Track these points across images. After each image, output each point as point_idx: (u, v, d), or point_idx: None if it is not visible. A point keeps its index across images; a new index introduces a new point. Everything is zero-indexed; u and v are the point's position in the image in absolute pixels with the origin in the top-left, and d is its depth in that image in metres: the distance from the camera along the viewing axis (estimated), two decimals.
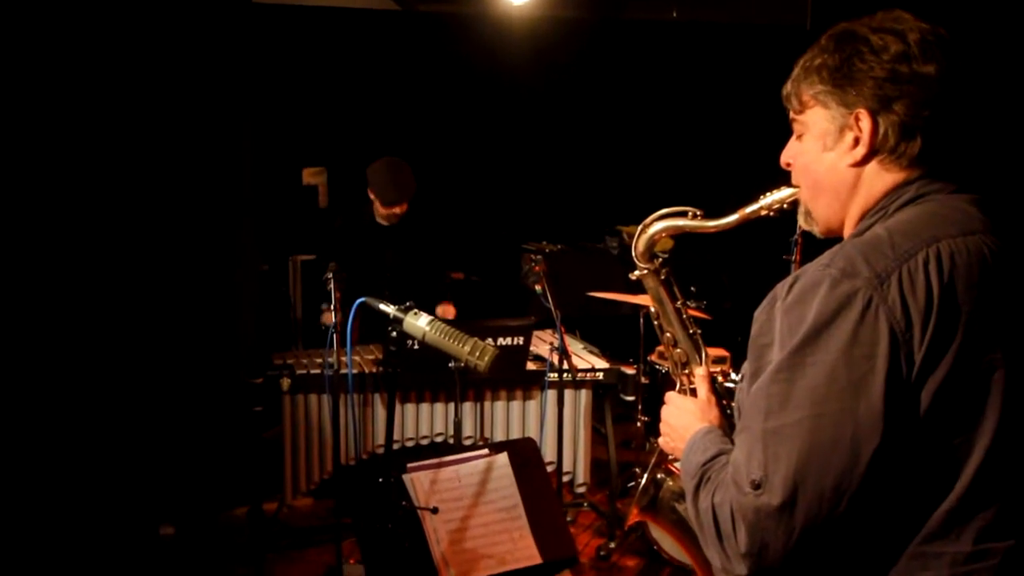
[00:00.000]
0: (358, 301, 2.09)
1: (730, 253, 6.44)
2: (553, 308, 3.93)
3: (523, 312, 5.27)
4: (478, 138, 6.70)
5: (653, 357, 5.07)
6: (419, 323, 2.02)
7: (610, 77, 6.86)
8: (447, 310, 4.67)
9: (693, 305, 5.05)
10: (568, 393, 4.21)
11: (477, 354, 2.01)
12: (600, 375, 4.31)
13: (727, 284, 6.71)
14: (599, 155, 6.96)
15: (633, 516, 1.90)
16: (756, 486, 1.30)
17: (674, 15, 6.68)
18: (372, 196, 4.56)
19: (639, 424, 4.95)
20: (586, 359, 4.42)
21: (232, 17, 5.08)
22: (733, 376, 4.16)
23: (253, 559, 4.04)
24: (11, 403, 4.32)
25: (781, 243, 4.30)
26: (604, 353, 4.57)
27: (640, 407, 4.93)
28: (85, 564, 4.02)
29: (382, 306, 2.06)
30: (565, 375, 4.04)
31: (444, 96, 6.56)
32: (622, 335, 5.16)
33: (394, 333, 2.03)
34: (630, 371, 4.52)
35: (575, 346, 4.58)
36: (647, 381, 5.01)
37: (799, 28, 6.78)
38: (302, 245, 6.39)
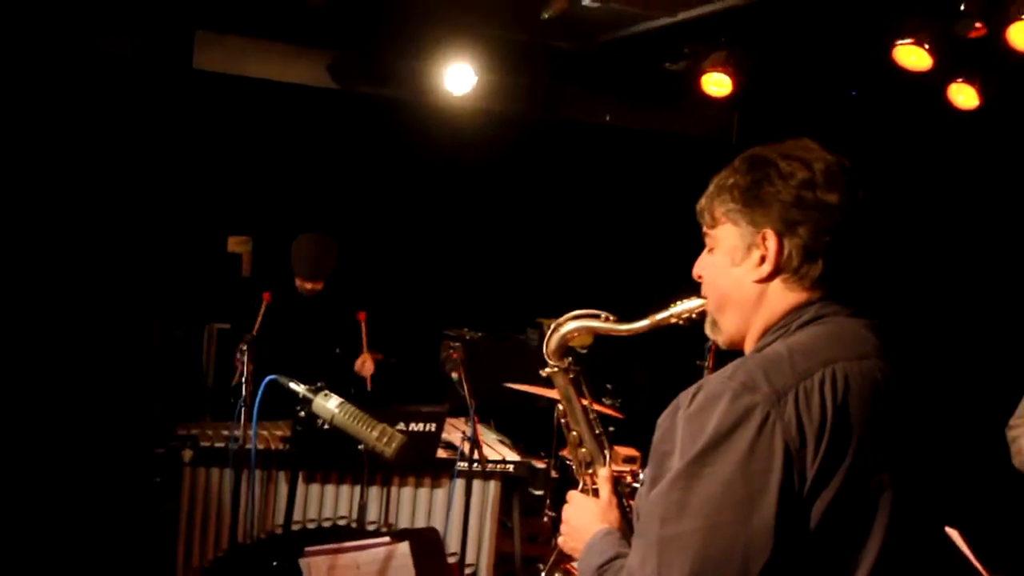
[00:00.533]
0: (267, 379, 2.06)
1: (648, 352, 6.52)
2: (468, 397, 3.93)
3: (439, 398, 5.24)
4: (406, 221, 6.73)
5: (564, 452, 5.06)
6: (328, 405, 2.00)
7: (542, 173, 6.99)
8: (366, 361, 4.62)
9: (608, 403, 5.08)
10: (477, 484, 4.18)
11: (384, 440, 1.99)
12: (511, 467, 4.29)
13: (644, 383, 6.78)
14: (525, 247, 7.04)
15: None
16: None
17: (607, 119, 6.88)
18: (292, 267, 4.55)
19: (546, 519, 4.91)
20: (497, 450, 4.40)
21: (171, 81, 5.09)
22: (642, 476, 4.17)
23: None
24: None
25: (696, 347, 4.38)
26: (516, 445, 4.55)
27: (548, 502, 4.90)
28: None
29: (292, 384, 2.04)
30: (475, 465, 4.01)
31: (376, 176, 6.60)
32: (536, 428, 5.15)
33: (302, 413, 2.01)
34: (541, 465, 4.51)
35: (488, 436, 4.56)
36: (557, 476, 4.99)
37: (725, 143, 7.05)
38: (220, 313, 6.27)
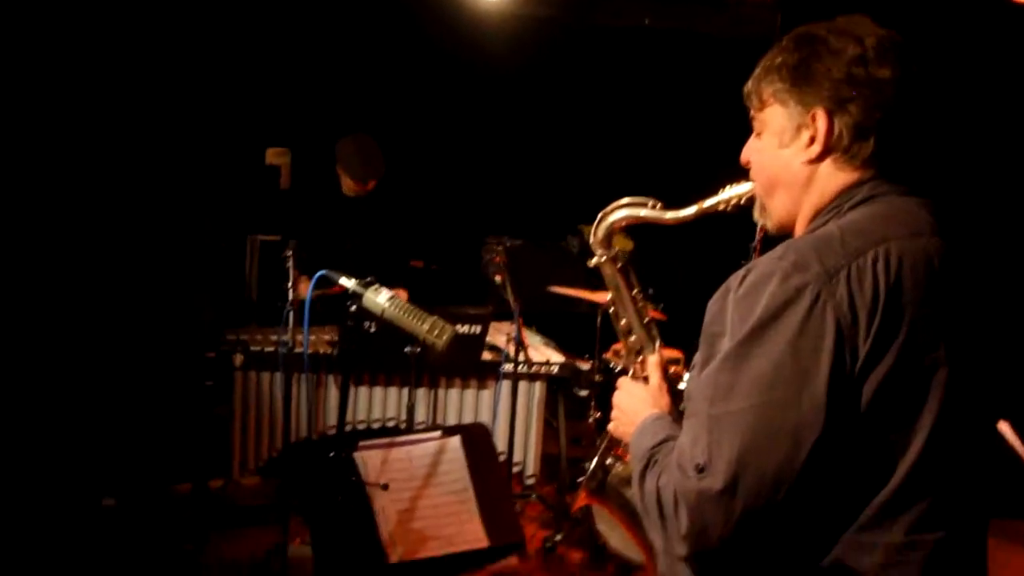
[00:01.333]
0: (318, 274, 2.09)
1: (689, 256, 6.50)
2: (512, 299, 3.96)
3: (482, 304, 5.29)
4: (445, 126, 6.69)
5: (608, 355, 5.11)
6: (379, 299, 2.03)
7: (580, 79, 6.89)
8: (399, 296, 4.65)
9: (651, 306, 5.08)
10: (522, 385, 4.25)
11: (436, 332, 2.02)
12: (555, 369, 4.35)
13: (684, 286, 6.78)
14: (565, 154, 6.99)
15: (581, 499, 1.93)
16: (699, 470, 1.32)
17: (647, 22, 6.72)
18: (341, 172, 4.54)
19: (591, 421, 4.98)
20: (542, 352, 4.45)
21: None
22: (686, 377, 4.20)
23: (197, 535, 4.01)
24: None
25: (740, 249, 4.36)
26: (560, 348, 4.60)
27: (593, 403, 4.97)
28: (24, 531, 3.97)
29: (342, 279, 2.07)
30: (520, 366, 4.07)
31: (412, 83, 6.55)
32: (578, 332, 5.19)
33: (353, 307, 2.04)
34: (585, 366, 4.56)
35: (532, 339, 4.61)
36: (601, 379, 5.05)
37: (767, 43, 6.87)
38: (262, 225, 6.34)
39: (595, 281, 4.33)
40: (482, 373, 4.26)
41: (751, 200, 1.63)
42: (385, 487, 2.41)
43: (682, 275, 6.73)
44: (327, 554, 2.42)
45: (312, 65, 6.30)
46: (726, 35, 6.67)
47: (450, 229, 6.49)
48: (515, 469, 4.34)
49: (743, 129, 1.61)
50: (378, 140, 4.70)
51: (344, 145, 4.51)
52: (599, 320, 4.71)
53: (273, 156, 6.77)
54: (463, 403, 4.28)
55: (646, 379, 1.77)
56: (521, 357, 4.01)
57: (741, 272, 1.40)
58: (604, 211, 1.81)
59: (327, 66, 6.34)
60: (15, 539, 3.92)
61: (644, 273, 1.94)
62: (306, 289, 3.97)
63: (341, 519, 2.39)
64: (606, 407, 1.77)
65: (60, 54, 4.86)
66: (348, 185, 4.53)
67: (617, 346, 4.56)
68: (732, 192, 1.66)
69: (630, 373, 1.82)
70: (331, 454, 2.15)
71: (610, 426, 1.74)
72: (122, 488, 4.34)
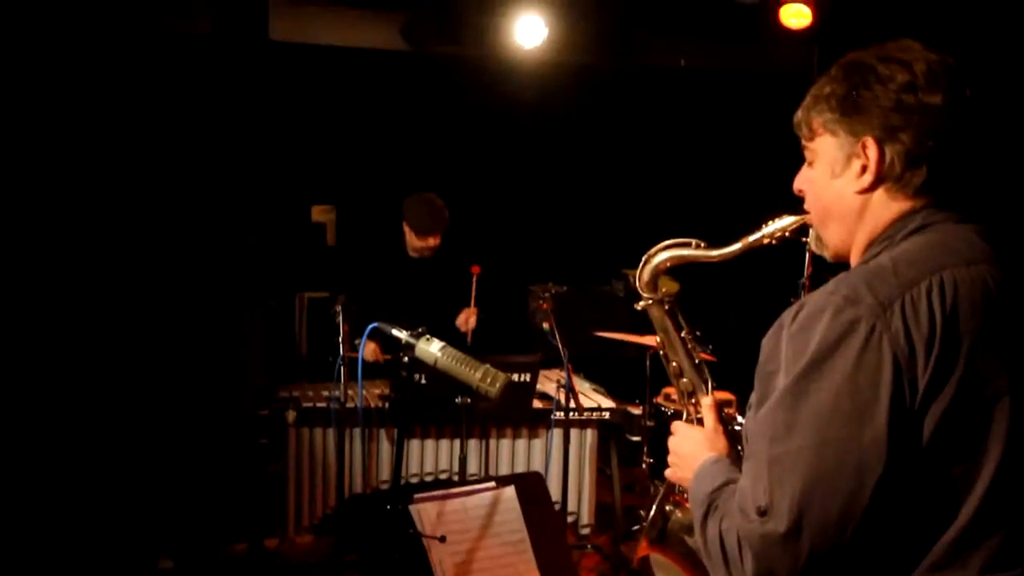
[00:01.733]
0: (371, 325, 2.11)
1: (738, 296, 6.45)
2: (560, 345, 3.94)
3: (529, 351, 5.27)
4: (486, 179, 6.75)
5: (659, 399, 5.06)
6: (431, 349, 2.03)
7: (619, 122, 6.93)
8: (470, 317, 4.62)
9: (700, 348, 5.03)
10: (574, 432, 4.21)
11: (488, 380, 2.02)
12: (606, 415, 4.32)
13: (734, 328, 6.71)
14: (606, 199, 7.00)
15: (642, 549, 1.90)
16: (762, 513, 1.30)
17: (682, 63, 6.75)
18: (407, 228, 4.58)
19: (644, 467, 4.92)
20: (592, 398, 4.42)
21: (248, 53, 5.16)
22: (739, 419, 4.15)
23: None
24: (18, 428, 4.33)
25: (789, 286, 4.31)
26: (610, 394, 4.56)
27: (645, 449, 4.91)
28: None
29: (394, 331, 2.08)
30: (571, 413, 4.04)
31: (453, 137, 6.62)
32: (627, 377, 5.15)
33: (405, 359, 2.05)
34: (636, 411, 4.51)
35: (581, 385, 4.58)
36: (652, 424, 4.99)
37: (805, 78, 6.85)
38: (309, 282, 6.41)
39: (642, 324, 4.31)
40: (533, 421, 4.24)
41: (796, 231, 1.61)
42: (443, 539, 2.39)
43: (731, 316, 6.67)
44: None
45: (355, 123, 6.40)
46: (763, 71, 6.68)
47: (495, 278, 6.51)
48: (569, 519, 4.30)
49: (786, 164, 1.60)
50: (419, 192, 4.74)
51: (410, 202, 4.56)
52: (648, 364, 4.67)
53: (318, 213, 6.87)
54: (515, 453, 4.26)
55: (700, 422, 1.74)
56: (572, 404, 3.98)
57: (794, 308, 1.39)
58: (648, 253, 1.80)
59: (370, 124, 6.44)
60: None
61: (692, 315, 1.92)
62: (374, 351, 4.00)
63: (399, 573, 2.37)
64: (658, 452, 1.75)
65: (119, 114, 5.00)
66: (412, 242, 4.56)
67: (668, 389, 4.51)
68: (776, 225, 1.65)
69: (684, 417, 1.80)
70: (387, 507, 2.14)
71: (667, 472, 1.71)
72: (178, 549, 4.36)
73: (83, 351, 4.71)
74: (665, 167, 6.97)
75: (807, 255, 4.04)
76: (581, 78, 6.49)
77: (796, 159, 1.57)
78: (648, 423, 4.92)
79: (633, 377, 4.95)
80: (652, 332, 1.86)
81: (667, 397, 4.72)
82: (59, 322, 4.69)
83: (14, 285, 4.56)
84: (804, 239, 1.62)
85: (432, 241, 4.54)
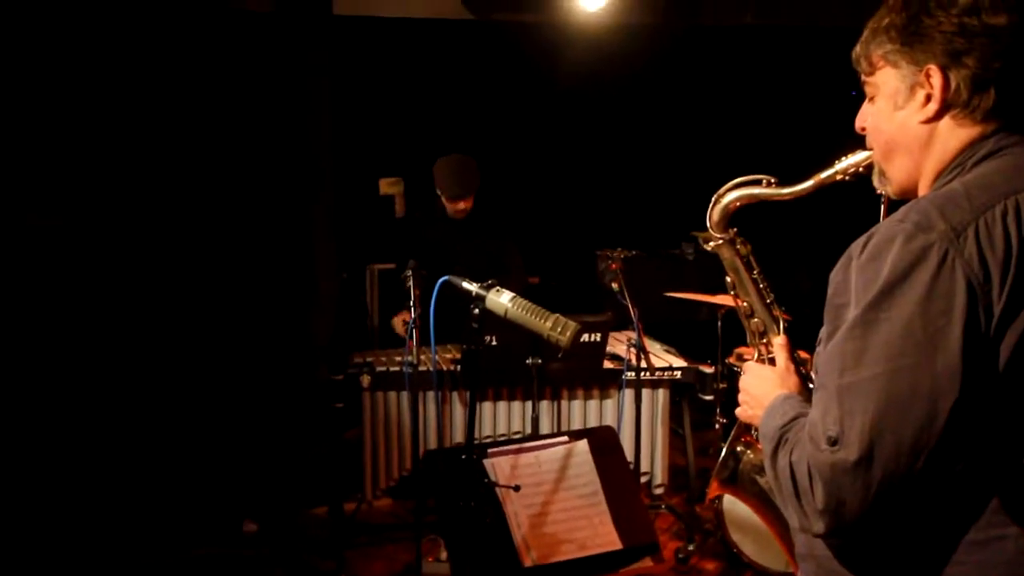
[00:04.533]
0: (441, 280, 2.13)
1: (809, 258, 6.35)
2: (630, 305, 3.93)
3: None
4: (553, 145, 6.74)
5: (731, 359, 5.02)
6: (501, 300, 2.05)
7: (685, 83, 6.85)
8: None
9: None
10: (646, 392, 4.21)
11: (559, 329, 2.03)
12: (678, 374, 4.30)
13: (807, 290, 6.61)
14: (674, 162, 6.94)
15: (713, 490, 1.90)
16: (832, 442, 1.29)
17: (749, 19, 6.64)
18: (439, 192, 4.62)
19: (717, 427, 4.89)
20: (664, 358, 4.40)
21: (314, 29, 5.23)
22: (813, 376, 4.08)
23: (335, 556, 4.11)
24: (106, 401, 4.51)
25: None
26: (681, 355, 4.54)
27: (718, 410, 4.87)
28: (173, 558, 4.15)
29: (465, 284, 2.10)
30: (643, 373, 4.03)
31: (520, 104, 6.62)
32: (699, 339, 5.12)
33: (476, 311, 2.07)
34: (708, 370, 4.48)
35: (653, 346, 4.56)
36: (724, 386, 4.95)
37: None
38: (380, 254, 6.49)
39: (713, 286, 4.27)
40: (604, 382, 4.24)
41: (869, 168, 1.59)
42: (517, 488, 2.42)
43: (805, 278, 6.57)
44: (463, 561, 2.44)
45: (420, 94, 6.44)
46: (832, 25, 6.52)
47: (561, 244, 6.52)
48: (643, 479, 4.30)
49: (853, 118, 1.56)
50: (486, 164, 4.74)
51: (438, 166, 4.58)
52: (720, 324, 4.63)
53: (386, 186, 6.94)
54: (587, 413, 4.27)
55: (772, 361, 1.74)
56: (643, 363, 3.97)
57: (863, 239, 1.37)
58: (718, 193, 1.79)
59: (435, 94, 6.47)
60: (167, 565, 4.11)
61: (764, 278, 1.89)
62: (400, 323, 4.01)
63: (475, 525, 2.41)
64: (731, 413, 1.74)
65: (192, 95, 5.13)
66: (446, 203, 4.59)
67: (740, 349, 4.47)
68: (849, 161, 1.62)
69: (755, 356, 1.79)
70: (462, 457, 2.17)
71: (738, 411, 1.71)
72: (262, 513, 4.49)
73: (174, 328, 4.86)
74: (732, 127, 6.88)
75: (882, 212, 3.96)
76: (646, 39, 6.43)
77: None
78: (720, 384, 4.88)
79: (705, 339, 4.92)
80: (723, 292, 1.85)
81: (739, 357, 4.68)
82: (146, 298, 4.85)
83: (97, 261, 4.72)
84: (879, 192, 1.59)
85: (462, 204, 4.55)
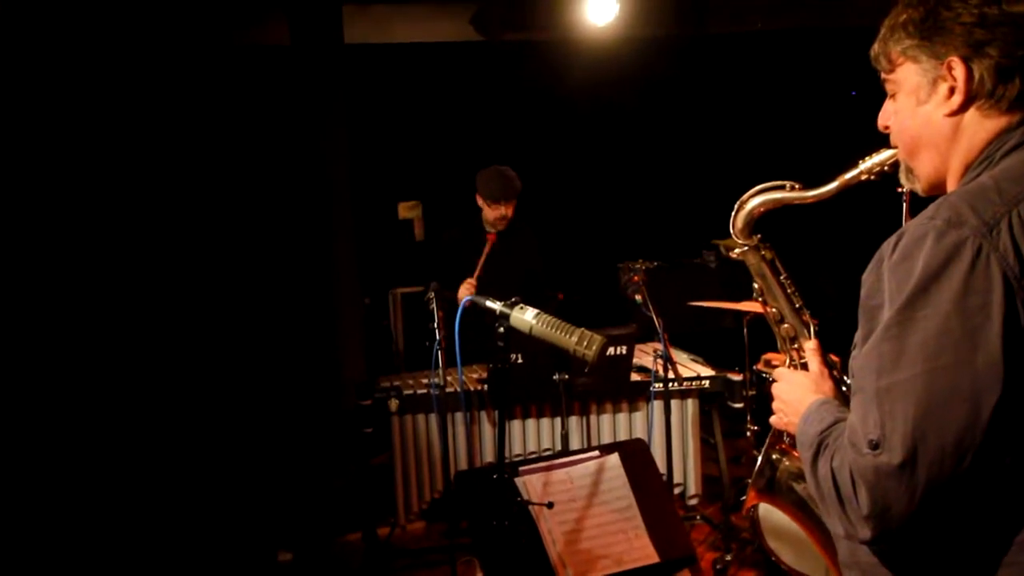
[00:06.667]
0: (465, 299, 2.13)
1: (834, 264, 6.32)
2: (655, 316, 3.91)
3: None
4: (570, 161, 6.75)
5: (759, 366, 4.98)
6: (526, 317, 2.04)
7: (697, 92, 6.85)
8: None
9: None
10: (675, 403, 4.19)
11: (585, 344, 2.02)
12: (706, 383, 4.27)
13: (832, 295, 6.57)
14: (690, 172, 6.93)
15: (751, 499, 1.88)
16: (874, 446, 1.26)
17: (759, 25, 6.63)
18: (480, 200, 4.61)
19: (748, 435, 4.85)
20: (691, 368, 4.37)
21: (327, 58, 5.28)
22: (846, 380, 4.04)
23: None
24: (137, 433, 4.53)
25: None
26: (708, 364, 4.51)
27: (749, 417, 4.83)
28: None
29: (488, 303, 2.10)
30: (671, 384, 4.01)
31: (534, 122, 6.64)
32: (725, 347, 5.09)
33: (501, 329, 2.06)
34: (737, 378, 4.44)
35: (679, 356, 4.54)
36: (754, 392, 4.91)
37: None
38: (401, 278, 6.52)
39: (737, 293, 4.24)
40: (632, 395, 4.22)
41: (894, 166, 1.57)
42: (550, 505, 2.41)
43: (829, 284, 6.53)
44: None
45: (435, 117, 6.47)
46: (842, 26, 6.50)
47: (582, 258, 6.51)
48: (676, 490, 4.27)
49: (873, 118, 1.55)
50: None
51: (481, 175, 4.60)
52: (746, 332, 4.60)
53: (405, 210, 6.97)
54: (616, 427, 4.25)
55: (804, 367, 1.71)
56: (671, 374, 3.95)
57: (893, 238, 1.35)
58: (741, 199, 1.78)
59: (450, 116, 6.50)
60: None
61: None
62: (466, 293, 4.03)
63: (510, 544, 2.39)
64: (762, 420, 1.72)
65: (219, 126, 5.18)
66: (487, 214, 4.59)
67: (768, 355, 4.44)
68: (874, 160, 1.60)
69: (786, 362, 1.77)
70: (494, 476, 2.16)
71: (773, 419, 1.68)
72: (296, 542, 4.49)
73: (197, 357, 4.88)
74: (746, 134, 6.86)
75: (904, 211, 3.92)
76: (657, 51, 6.43)
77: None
78: (750, 391, 4.84)
79: (731, 347, 4.88)
80: (748, 299, 1.83)
81: (767, 363, 4.64)
82: (176, 326, 4.88)
83: (128, 290, 4.76)
84: (901, 189, 1.57)
85: (504, 209, 4.55)
